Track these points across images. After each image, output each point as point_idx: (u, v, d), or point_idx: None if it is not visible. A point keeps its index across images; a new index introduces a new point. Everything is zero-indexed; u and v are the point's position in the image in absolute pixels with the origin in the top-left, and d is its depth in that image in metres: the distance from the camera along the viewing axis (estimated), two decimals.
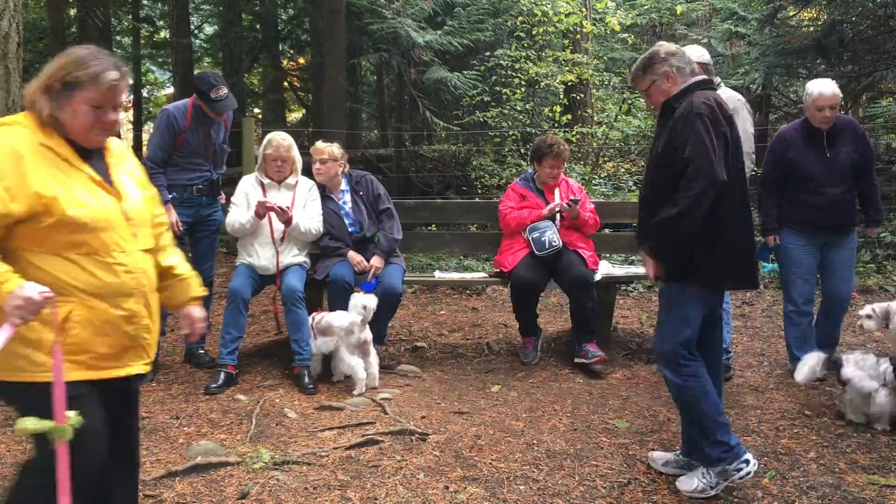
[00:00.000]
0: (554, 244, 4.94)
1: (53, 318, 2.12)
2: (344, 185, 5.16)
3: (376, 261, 4.94)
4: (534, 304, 5.20)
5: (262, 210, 4.70)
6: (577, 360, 4.98)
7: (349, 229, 5.05)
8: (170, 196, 4.70)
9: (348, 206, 5.10)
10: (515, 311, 5.23)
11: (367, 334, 4.60)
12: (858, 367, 3.99)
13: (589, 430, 3.96)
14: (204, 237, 5.01)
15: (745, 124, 4.62)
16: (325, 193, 5.08)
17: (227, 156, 5.23)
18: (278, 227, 4.78)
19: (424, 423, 4.02)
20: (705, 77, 3.38)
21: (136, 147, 16.61)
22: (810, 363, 4.03)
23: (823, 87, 4.43)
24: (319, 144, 5.08)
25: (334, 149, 5.06)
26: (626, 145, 11.23)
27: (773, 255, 4.91)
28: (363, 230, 5.05)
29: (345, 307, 4.69)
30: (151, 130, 4.88)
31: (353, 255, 4.94)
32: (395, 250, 5.14)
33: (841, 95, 4.48)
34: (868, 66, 9.23)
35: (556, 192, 5.22)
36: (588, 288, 4.89)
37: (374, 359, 4.62)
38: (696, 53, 4.82)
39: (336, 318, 4.63)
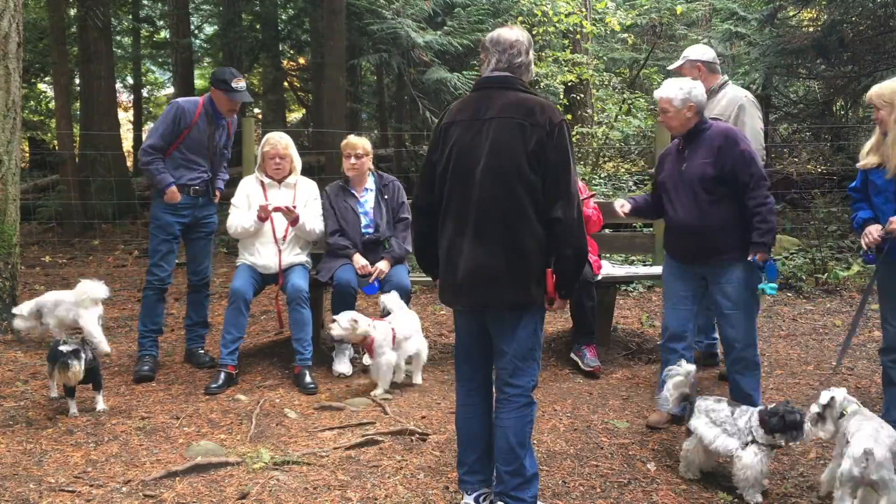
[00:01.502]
0: None
1: None
2: (370, 184, 5.11)
3: (383, 264, 4.90)
4: None
5: (264, 213, 4.70)
6: (572, 356, 4.99)
7: (363, 230, 4.98)
8: (171, 180, 4.74)
9: (368, 206, 5.04)
10: None
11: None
12: (711, 420, 3.33)
13: (589, 430, 3.96)
14: (199, 238, 5.01)
15: (753, 121, 4.56)
16: (348, 189, 5.03)
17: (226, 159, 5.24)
18: (280, 226, 4.78)
19: (424, 423, 4.02)
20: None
21: (137, 147, 16.62)
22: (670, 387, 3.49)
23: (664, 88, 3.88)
24: (353, 139, 5.02)
25: (367, 144, 5.04)
26: (626, 145, 11.23)
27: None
28: (378, 232, 5.00)
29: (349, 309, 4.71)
30: (157, 119, 4.92)
31: (358, 259, 4.89)
32: (404, 260, 5.11)
33: (680, 98, 3.78)
34: (868, 66, 9.24)
35: None
36: (588, 287, 4.89)
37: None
38: (697, 52, 4.77)
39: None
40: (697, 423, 3.34)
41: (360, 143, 5.01)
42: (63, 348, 3.99)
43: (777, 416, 3.13)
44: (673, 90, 3.82)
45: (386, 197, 5.07)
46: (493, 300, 2.87)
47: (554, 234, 2.80)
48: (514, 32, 2.96)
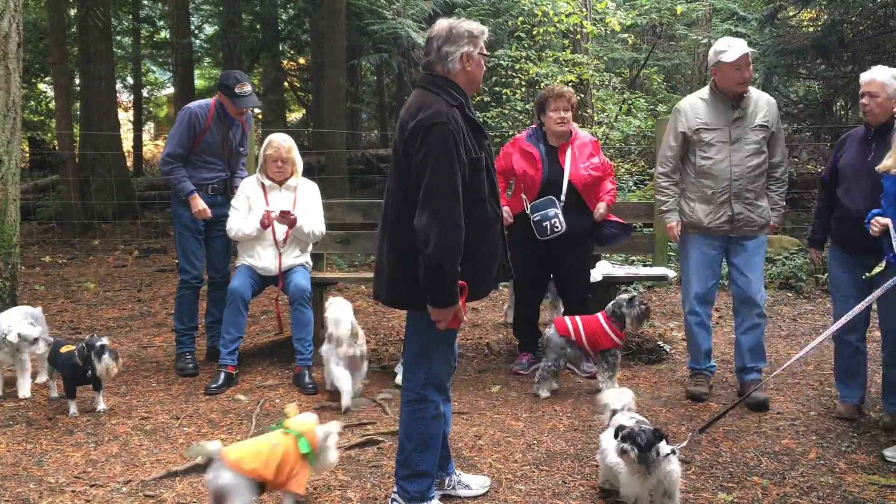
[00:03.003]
0: (556, 229, 4.61)
1: None
2: None
3: None
4: (535, 306, 5.11)
5: (267, 220, 4.70)
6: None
7: None
8: (192, 188, 4.76)
9: None
10: (516, 311, 5.20)
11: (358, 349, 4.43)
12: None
13: (589, 430, 3.96)
14: (219, 236, 4.99)
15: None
16: None
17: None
18: (280, 229, 4.77)
19: None
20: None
21: (137, 147, 16.61)
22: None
23: None
24: None
25: None
26: (626, 145, 11.23)
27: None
28: None
29: None
30: (172, 127, 4.95)
31: None
32: None
33: (894, 87, 3.83)
34: (868, 66, 9.19)
35: (568, 152, 4.75)
36: (584, 303, 4.85)
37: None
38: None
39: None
40: (606, 435, 3.26)
41: None
42: (98, 343, 4.05)
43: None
44: (886, 76, 3.78)
45: None
46: (384, 296, 2.97)
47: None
48: (436, 26, 2.90)
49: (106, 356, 4.03)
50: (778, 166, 4.31)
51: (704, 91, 4.34)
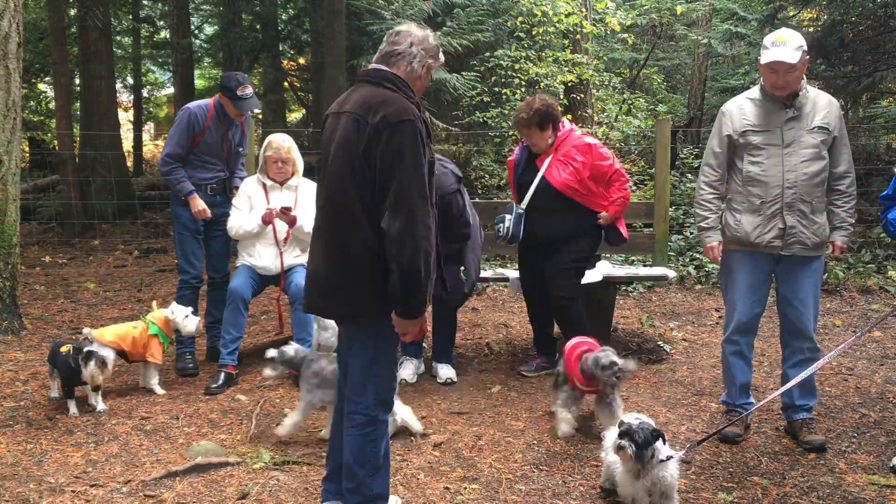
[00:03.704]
0: (500, 234, 4.74)
1: None
2: None
3: None
4: (539, 314, 5.04)
5: (268, 218, 4.70)
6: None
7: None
8: (192, 188, 4.77)
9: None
10: (530, 315, 5.16)
11: None
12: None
13: (589, 430, 3.96)
14: (218, 237, 5.00)
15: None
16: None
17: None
18: (282, 228, 4.78)
19: (424, 423, 4.01)
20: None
21: (137, 147, 16.62)
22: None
23: None
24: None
25: None
26: (626, 145, 11.23)
27: None
28: None
29: None
30: (171, 127, 4.96)
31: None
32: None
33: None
34: (868, 66, 9.23)
35: (547, 161, 4.73)
36: (563, 310, 4.77)
37: None
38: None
39: None
40: (608, 434, 3.28)
41: None
42: (88, 348, 4.04)
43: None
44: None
45: None
46: (323, 307, 2.80)
47: (384, 245, 2.54)
48: (410, 27, 2.78)
49: (91, 364, 4.01)
50: (843, 177, 3.73)
51: (754, 90, 3.83)
